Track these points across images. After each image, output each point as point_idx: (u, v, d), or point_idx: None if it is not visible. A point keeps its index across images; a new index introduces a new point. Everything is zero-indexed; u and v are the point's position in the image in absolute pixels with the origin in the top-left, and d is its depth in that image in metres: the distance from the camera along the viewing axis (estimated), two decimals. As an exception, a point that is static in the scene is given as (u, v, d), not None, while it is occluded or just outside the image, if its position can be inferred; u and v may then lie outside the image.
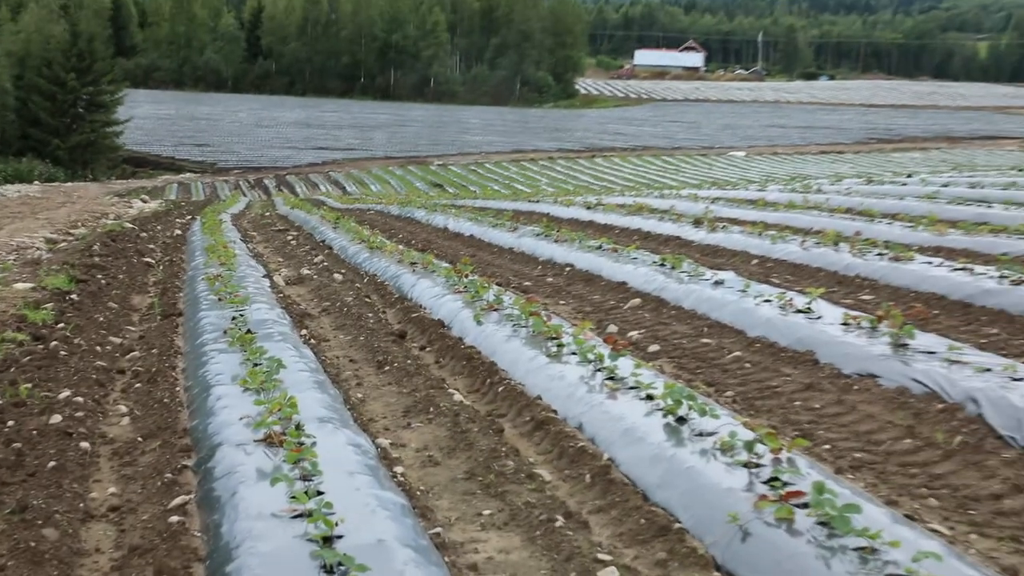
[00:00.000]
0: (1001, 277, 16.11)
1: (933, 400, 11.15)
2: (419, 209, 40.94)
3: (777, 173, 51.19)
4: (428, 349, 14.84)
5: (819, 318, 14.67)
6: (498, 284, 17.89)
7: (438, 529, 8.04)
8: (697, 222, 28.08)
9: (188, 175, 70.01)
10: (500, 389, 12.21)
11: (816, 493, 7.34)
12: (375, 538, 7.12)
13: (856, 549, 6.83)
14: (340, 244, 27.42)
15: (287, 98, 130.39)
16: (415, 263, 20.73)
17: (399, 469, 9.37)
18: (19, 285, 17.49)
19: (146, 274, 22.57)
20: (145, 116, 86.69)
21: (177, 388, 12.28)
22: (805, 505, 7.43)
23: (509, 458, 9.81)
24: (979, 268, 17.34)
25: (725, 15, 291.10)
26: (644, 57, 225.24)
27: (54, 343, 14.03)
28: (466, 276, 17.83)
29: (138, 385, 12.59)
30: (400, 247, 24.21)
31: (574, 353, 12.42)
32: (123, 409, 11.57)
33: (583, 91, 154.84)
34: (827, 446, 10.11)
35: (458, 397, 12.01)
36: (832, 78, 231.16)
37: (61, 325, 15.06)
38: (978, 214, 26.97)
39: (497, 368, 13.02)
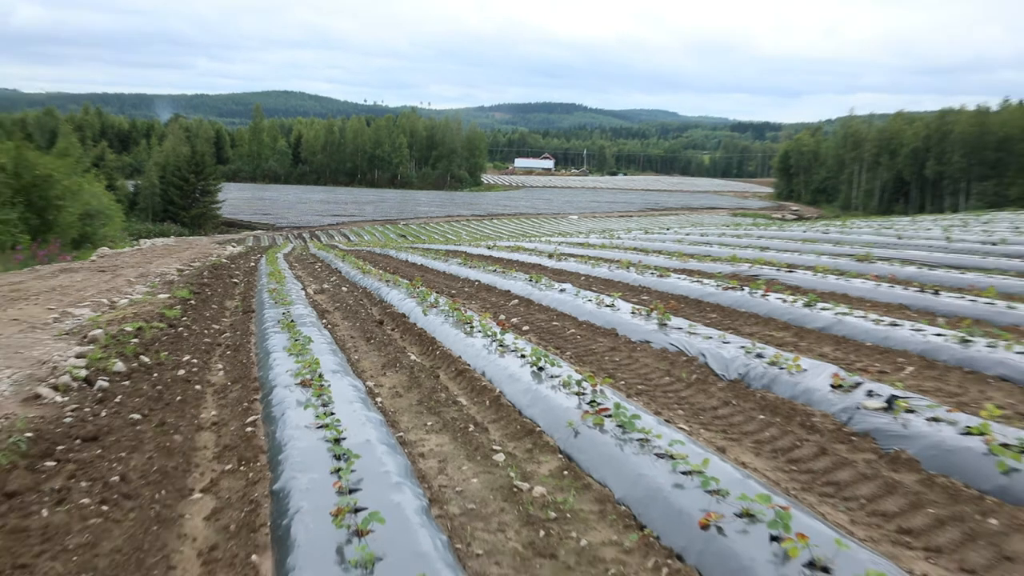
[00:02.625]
0: (716, 285, 18.65)
1: (680, 355, 12.76)
2: (391, 250, 43.87)
3: (595, 228, 53.43)
4: (396, 330, 16.73)
5: (619, 310, 16.41)
6: (436, 292, 20.54)
7: (401, 433, 9.35)
8: (550, 256, 32.35)
9: (259, 231, 77.17)
10: (438, 353, 13.98)
11: (615, 408, 8.75)
12: (365, 439, 8.13)
13: (638, 440, 7.94)
14: (345, 270, 30.91)
15: (315, 187, 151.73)
16: (388, 280, 23.65)
17: (379, 399, 10.85)
18: (161, 296, 20.30)
19: (233, 288, 25.38)
20: (234, 198, 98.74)
21: (251, 354, 14.02)
22: (610, 416, 8.67)
23: (442, 392, 11.40)
24: (706, 280, 20.14)
25: (565, 139, 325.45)
26: (520, 162, 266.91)
27: (180, 328, 16.23)
28: (418, 287, 20.36)
29: (228, 353, 14.43)
30: (380, 271, 27.58)
31: (480, 331, 14.04)
32: (220, 367, 13.25)
33: (486, 181, 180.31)
34: (623, 382, 11.59)
35: (413, 357, 13.81)
36: (625, 174, 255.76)
37: (184, 318, 17.51)
38: (705, 250, 30.14)
39: (436, 341, 14.75)
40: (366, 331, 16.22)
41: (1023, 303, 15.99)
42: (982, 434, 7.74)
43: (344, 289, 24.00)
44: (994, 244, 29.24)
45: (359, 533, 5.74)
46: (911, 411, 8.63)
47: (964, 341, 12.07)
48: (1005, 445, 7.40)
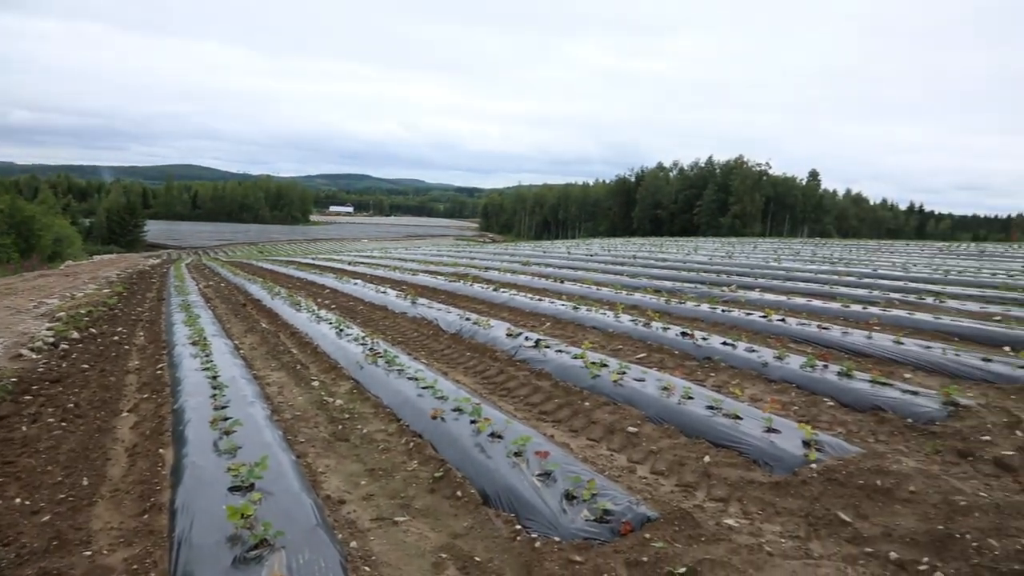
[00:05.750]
0: (445, 279, 18.58)
1: (424, 320, 12.70)
2: (254, 260, 42.72)
3: (377, 247, 52.22)
4: (254, 309, 15.65)
5: (388, 295, 16.50)
6: (280, 286, 20.21)
7: (255, 372, 8.88)
8: (349, 263, 31.30)
9: (170, 250, 70.67)
10: (279, 322, 13.23)
11: (385, 352, 8.68)
12: (232, 376, 7.80)
13: (397, 370, 7.88)
14: (224, 273, 28.53)
15: (207, 223, 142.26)
16: (250, 279, 22.62)
17: (241, 351, 10.23)
18: (105, 291, 18.90)
19: (152, 285, 23.22)
20: (155, 229, 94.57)
21: (162, 325, 12.95)
22: (382, 356, 8.61)
23: (281, 346, 10.83)
24: (439, 276, 19.99)
25: (360, 195, 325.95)
26: (333, 208, 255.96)
27: (116, 311, 15.00)
28: (268, 283, 19.84)
29: (147, 325, 13.25)
30: (245, 274, 26.37)
31: (305, 309, 13.63)
32: (141, 334, 12.17)
33: (313, 220, 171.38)
34: (390, 336, 11.27)
35: (264, 325, 12.96)
36: (396, 216, 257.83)
37: (119, 304, 16.23)
38: (439, 259, 31.79)
39: (279, 315, 13.96)
40: (235, 310, 15.34)
41: (607, 288, 16.96)
42: (582, 357, 8.08)
43: (222, 285, 22.51)
44: (591, 255, 30.86)
45: (227, 432, 5.50)
46: (547, 346, 8.94)
47: (575, 308, 12.70)
48: (593, 363, 7.79)
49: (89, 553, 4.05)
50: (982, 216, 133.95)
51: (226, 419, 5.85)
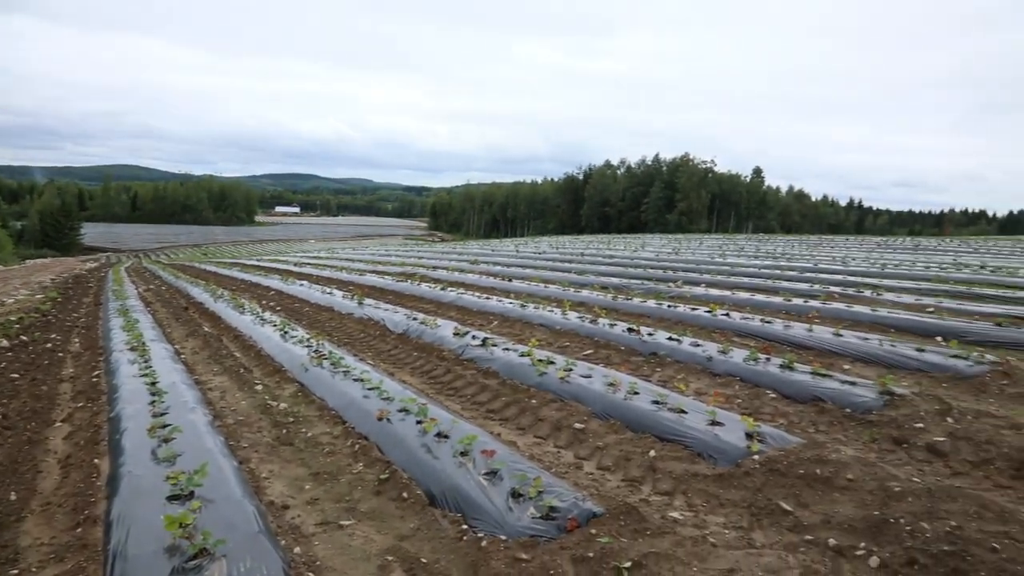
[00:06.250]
0: (392, 279, 18.39)
1: (371, 320, 12.57)
2: (196, 263, 41.91)
3: (324, 248, 51.51)
4: (196, 313, 15.20)
5: (335, 295, 16.29)
6: (223, 288, 19.74)
7: (197, 376, 8.68)
8: (295, 264, 30.94)
9: (109, 253, 67.86)
10: (222, 326, 12.93)
11: (330, 354, 8.59)
12: (172, 381, 7.60)
13: (343, 371, 7.80)
14: (165, 276, 27.49)
15: (148, 225, 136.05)
16: (192, 282, 22.09)
17: (183, 356, 9.99)
18: (38, 296, 18.02)
19: (89, 290, 22.39)
20: (92, 232, 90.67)
21: (98, 331, 12.50)
22: (327, 358, 8.48)
23: (224, 350, 10.59)
24: (386, 276, 19.63)
25: (307, 195, 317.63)
26: (279, 208, 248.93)
27: (50, 317, 14.53)
28: (211, 286, 19.37)
29: (83, 331, 12.77)
30: (187, 276, 25.66)
31: (249, 311, 13.38)
32: (76, 340, 11.76)
33: (258, 220, 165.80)
34: (336, 338, 11.12)
35: (207, 329, 12.63)
36: (343, 216, 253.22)
37: (53, 310, 15.72)
38: (387, 259, 31.10)
39: (221, 318, 13.61)
40: (176, 314, 14.92)
41: (555, 286, 17.05)
42: (529, 355, 8.10)
43: (163, 288, 21.84)
44: (540, 253, 30.97)
45: (166, 440, 5.36)
46: (495, 345, 8.96)
47: (522, 306, 12.74)
48: (540, 360, 7.81)
49: (16, 572, 3.90)
50: (917, 212, 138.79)
51: (165, 426, 5.69)
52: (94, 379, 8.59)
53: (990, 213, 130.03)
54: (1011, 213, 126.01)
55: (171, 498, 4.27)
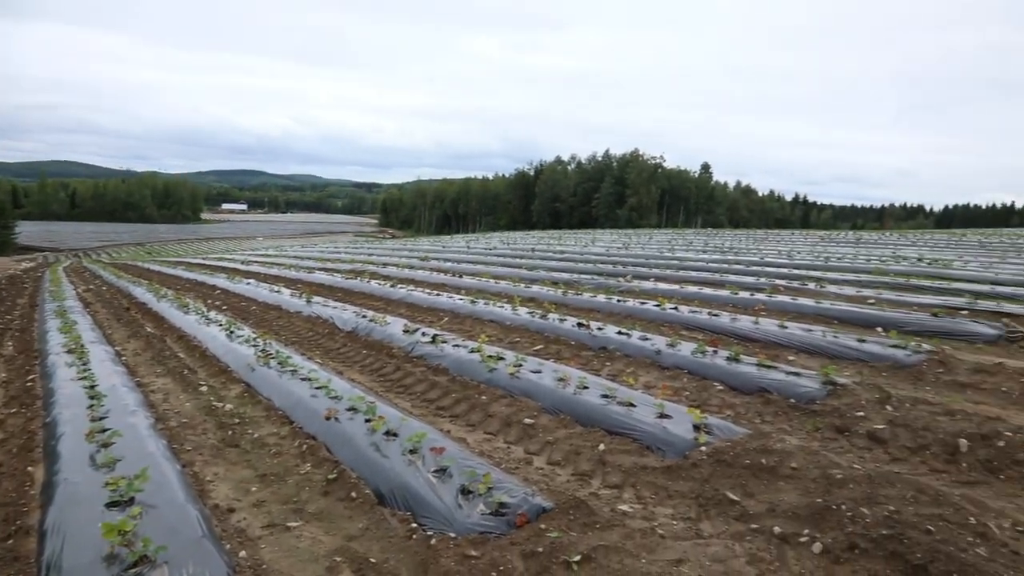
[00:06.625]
0: (342, 276, 18.33)
1: (319, 319, 12.40)
2: (139, 262, 40.64)
3: (273, 246, 50.47)
4: (138, 313, 14.77)
5: (283, 294, 16.02)
6: (167, 288, 19.13)
7: (138, 379, 8.41)
8: (242, 263, 30.15)
9: (47, 252, 64.07)
10: (166, 326, 12.59)
11: (277, 353, 8.47)
12: (112, 384, 7.38)
13: (290, 371, 7.64)
14: (106, 276, 26.27)
15: (88, 223, 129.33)
16: (135, 282, 21.30)
17: (124, 358, 9.69)
18: None
19: (24, 291, 21.59)
20: (28, 231, 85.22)
21: (34, 334, 12.06)
22: (274, 357, 8.35)
23: (168, 351, 10.30)
24: (336, 274, 19.43)
25: (254, 191, 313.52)
26: (226, 206, 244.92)
27: None
28: (154, 285, 18.78)
29: (17, 334, 12.36)
30: (130, 276, 24.99)
31: (194, 311, 13.05)
32: (10, 344, 11.38)
33: (204, 218, 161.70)
34: (284, 337, 10.96)
35: (150, 330, 12.29)
36: (292, 213, 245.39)
37: None
38: (337, 256, 30.48)
39: (165, 319, 13.27)
40: (118, 315, 14.49)
41: (505, 281, 17.03)
42: (479, 351, 8.10)
43: (104, 288, 21.19)
44: (490, 249, 30.97)
45: (105, 445, 5.20)
46: (444, 341, 8.91)
47: (473, 302, 12.70)
48: (490, 356, 7.81)
49: (-56, 585, 3.74)
50: (859, 206, 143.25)
51: (104, 431, 5.52)
52: (28, 384, 8.29)
53: (927, 208, 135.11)
54: (946, 207, 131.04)
55: (110, 505, 4.15)
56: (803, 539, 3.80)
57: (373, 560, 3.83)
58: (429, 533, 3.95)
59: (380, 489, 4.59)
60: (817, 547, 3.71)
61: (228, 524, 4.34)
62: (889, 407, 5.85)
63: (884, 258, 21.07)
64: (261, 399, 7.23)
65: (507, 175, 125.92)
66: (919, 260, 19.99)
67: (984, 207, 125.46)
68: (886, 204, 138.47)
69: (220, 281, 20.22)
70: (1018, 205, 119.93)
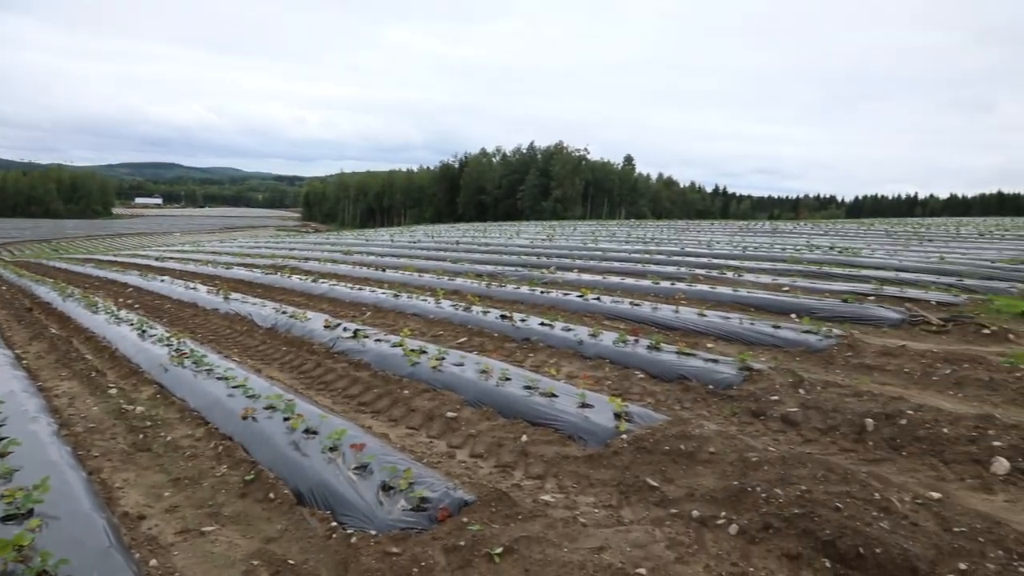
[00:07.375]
0: (262, 272, 17.55)
1: (237, 316, 12.11)
2: (44, 260, 37.76)
3: (190, 241, 48.67)
4: (42, 314, 14.01)
5: (199, 291, 15.53)
6: (74, 286, 18.14)
7: (41, 383, 8.01)
8: (157, 259, 31.56)
9: None
10: (72, 327, 12.00)
11: (192, 352, 8.18)
12: (10, 390, 7.02)
13: (206, 370, 7.43)
14: (6, 275, 24.55)
15: None
16: (39, 280, 19.89)
17: (25, 362, 9.23)
18: None
19: None
20: None
21: None
22: (188, 357, 8.05)
23: (74, 352, 9.79)
24: (255, 269, 18.79)
25: (169, 185, 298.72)
26: (139, 200, 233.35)
27: None
28: (60, 284, 17.75)
29: None
30: (33, 275, 23.43)
31: (103, 310, 12.45)
32: None
33: (116, 213, 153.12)
34: (200, 335, 10.63)
35: (54, 331, 11.64)
36: (210, 207, 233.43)
37: None
38: (257, 251, 30.32)
39: (72, 319, 12.66)
40: (19, 316, 13.74)
41: (429, 274, 16.94)
42: (401, 345, 8.04)
43: (3, 287, 19.92)
44: (415, 243, 30.76)
45: (1, 454, 4.90)
46: (367, 336, 8.80)
47: (396, 296, 12.61)
48: (413, 350, 7.76)
49: None
50: (776, 197, 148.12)
51: (1, 439, 5.21)
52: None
53: (839, 198, 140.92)
54: (857, 198, 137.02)
55: (5, 519, 3.92)
56: (720, 521, 3.90)
57: (292, 562, 3.73)
58: (349, 532, 3.88)
59: (299, 489, 4.49)
60: (734, 529, 3.81)
61: (138, 532, 4.17)
62: (802, 390, 6.07)
63: (799, 247, 21.87)
64: (175, 400, 6.97)
65: (432, 168, 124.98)
66: (831, 249, 20.83)
67: (891, 198, 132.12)
68: (801, 195, 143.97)
69: (132, 279, 19.42)
70: (921, 196, 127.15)
